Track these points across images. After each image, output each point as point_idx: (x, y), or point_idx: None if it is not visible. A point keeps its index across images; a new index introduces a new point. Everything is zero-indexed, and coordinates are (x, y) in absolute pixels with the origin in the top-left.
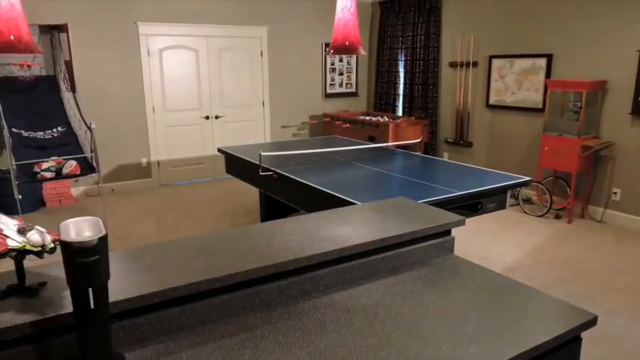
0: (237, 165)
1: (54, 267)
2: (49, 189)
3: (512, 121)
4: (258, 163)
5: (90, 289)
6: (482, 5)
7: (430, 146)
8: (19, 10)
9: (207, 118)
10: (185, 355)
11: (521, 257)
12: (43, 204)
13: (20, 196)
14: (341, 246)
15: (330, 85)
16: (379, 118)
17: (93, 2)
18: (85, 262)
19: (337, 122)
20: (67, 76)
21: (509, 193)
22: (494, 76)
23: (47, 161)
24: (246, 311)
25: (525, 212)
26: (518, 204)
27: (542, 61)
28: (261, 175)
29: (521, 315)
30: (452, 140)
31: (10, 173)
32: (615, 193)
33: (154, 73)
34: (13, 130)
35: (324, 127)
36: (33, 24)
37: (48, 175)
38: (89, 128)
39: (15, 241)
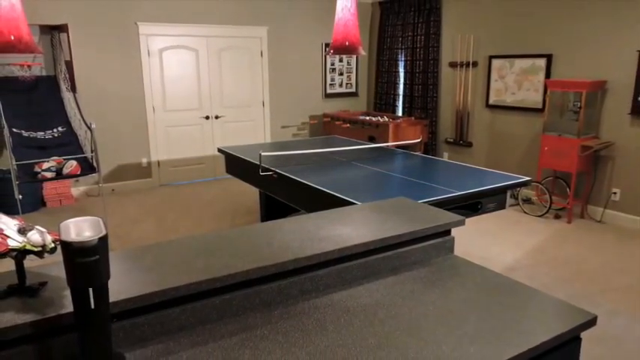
0: (237, 165)
1: (54, 267)
2: (49, 189)
3: (512, 121)
4: (258, 163)
5: (90, 289)
6: (482, 5)
7: (430, 146)
8: (19, 10)
9: (207, 118)
10: (185, 355)
11: (520, 257)
12: (44, 204)
13: (21, 196)
14: (341, 246)
15: (330, 85)
16: (379, 118)
17: (93, 2)
18: (86, 262)
19: (337, 122)
20: (67, 76)
21: (508, 193)
22: (494, 76)
23: (48, 161)
24: (246, 311)
25: (525, 212)
26: (518, 204)
27: (542, 61)
28: (261, 175)
29: (521, 315)
30: (452, 140)
31: (10, 173)
32: (615, 193)
33: (154, 73)
34: (14, 130)
35: (324, 127)
36: (33, 24)
37: (48, 175)
38: (89, 128)
39: (15, 241)
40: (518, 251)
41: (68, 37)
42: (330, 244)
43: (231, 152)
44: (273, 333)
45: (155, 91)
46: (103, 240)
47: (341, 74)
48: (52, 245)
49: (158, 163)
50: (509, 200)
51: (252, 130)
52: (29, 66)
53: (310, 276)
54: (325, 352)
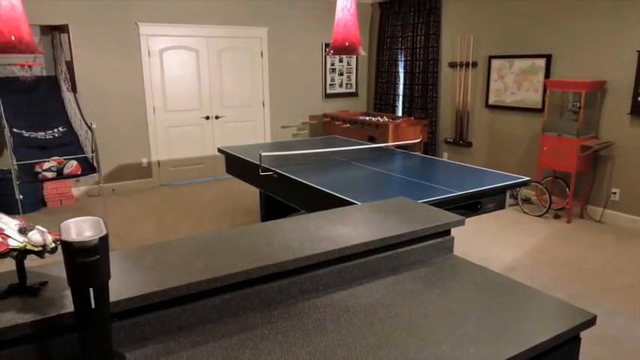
0: (237, 165)
1: (55, 267)
2: (50, 189)
3: (512, 122)
4: (258, 163)
5: (91, 289)
6: (482, 5)
7: (430, 146)
8: (20, 10)
9: (207, 118)
10: (185, 355)
11: (520, 257)
12: (44, 204)
13: (21, 196)
14: (341, 246)
15: (330, 85)
16: (379, 118)
17: (94, 3)
18: (86, 262)
19: (337, 122)
20: (67, 76)
21: (508, 193)
22: (493, 76)
23: (48, 161)
24: (247, 311)
25: (525, 212)
26: (518, 204)
27: (542, 62)
28: (261, 175)
29: (520, 315)
30: (451, 140)
31: (11, 173)
32: (614, 193)
33: (154, 73)
34: (14, 130)
35: (324, 127)
36: (34, 24)
37: (49, 175)
38: (90, 128)
39: (16, 240)
40: (518, 251)
41: (69, 37)
42: (330, 244)
43: (231, 152)
44: (273, 333)
45: (155, 91)
46: (104, 240)
47: (341, 74)
48: (53, 245)
49: (158, 163)
50: (508, 200)
51: (253, 130)
52: (30, 66)
53: (310, 276)
54: (325, 352)
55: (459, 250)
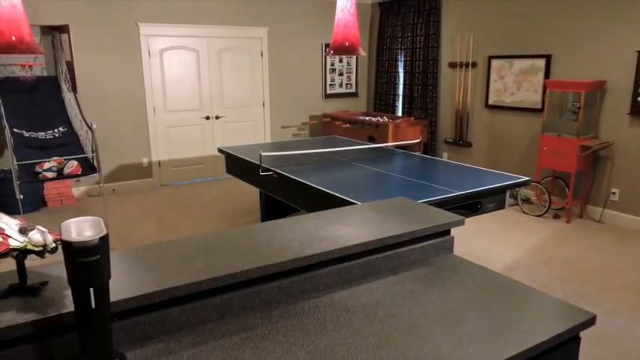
0: (237, 165)
1: (55, 267)
2: (50, 189)
3: (512, 122)
4: (258, 163)
5: (91, 289)
6: (482, 6)
7: (430, 146)
8: (20, 10)
9: (207, 118)
10: (186, 355)
11: (520, 257)
12: (45, 204)
13: (22, 196)
14: (341, 246)
15: (330, 85)
16: (379, 118)
17: (94, 3)
18: (86, 262)
19: (337, 122)
20: (68, 76)
21: (508, 193)
22: (493, 76)
23: (48, 161)
24: (247, 311)
25: (524, 212)
26: (517, 204)
27: (542, 62)
28: (261, 175)
29: (520, 314)
30: (451, 140)
31: (11, 173)
32: (614, 193)
33: (154, 73)
34: (15, 130)
35: (324, 127)
36: (34, 25)
37: (49, 175)
38: (90, 128)
39: (16, 240)
40: (518, 251)
41: (69, 37)
42: (330, 244)
43: (231, 152)
44: (273, 332)
45: (156, 91)
46: (104, 240)
47: (341, 74)
48: (53, 245)
49: (159, 163)
50: (508, 200)
51: (253, 131)
52: (30, 66)
53: (310, 276)
54: (325, 352)
55: (458, 250)
